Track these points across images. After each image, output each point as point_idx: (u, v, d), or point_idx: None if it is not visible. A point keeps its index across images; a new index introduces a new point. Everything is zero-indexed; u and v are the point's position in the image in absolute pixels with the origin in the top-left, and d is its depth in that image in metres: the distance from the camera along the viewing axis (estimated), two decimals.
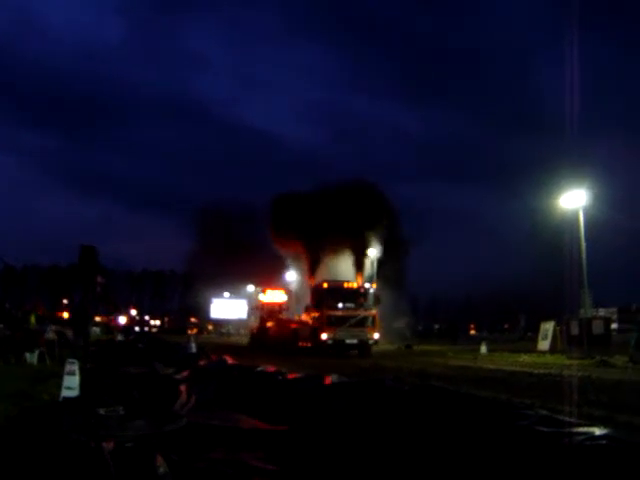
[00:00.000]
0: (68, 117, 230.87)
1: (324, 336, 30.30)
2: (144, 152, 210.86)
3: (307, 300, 36.36)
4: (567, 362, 24.47)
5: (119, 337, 45.53)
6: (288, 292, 46.79)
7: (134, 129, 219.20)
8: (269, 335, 37.60)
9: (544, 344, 31.69)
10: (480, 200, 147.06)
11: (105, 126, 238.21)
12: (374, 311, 32.00)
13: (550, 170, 47.79)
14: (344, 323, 30.50)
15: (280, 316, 40.84)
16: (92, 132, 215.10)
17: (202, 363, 14.52)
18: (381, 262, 51.17)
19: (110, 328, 66.06)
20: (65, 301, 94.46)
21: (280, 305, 43.53)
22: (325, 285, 33.08)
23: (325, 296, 31.83)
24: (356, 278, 44.02)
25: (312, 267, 50.45)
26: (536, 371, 19.46)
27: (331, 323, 30.59)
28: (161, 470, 3.91)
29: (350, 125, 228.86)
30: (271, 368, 10.25)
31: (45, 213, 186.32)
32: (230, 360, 13.91)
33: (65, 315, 66.29)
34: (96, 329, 54.94)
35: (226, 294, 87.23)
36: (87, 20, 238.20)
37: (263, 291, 46.00)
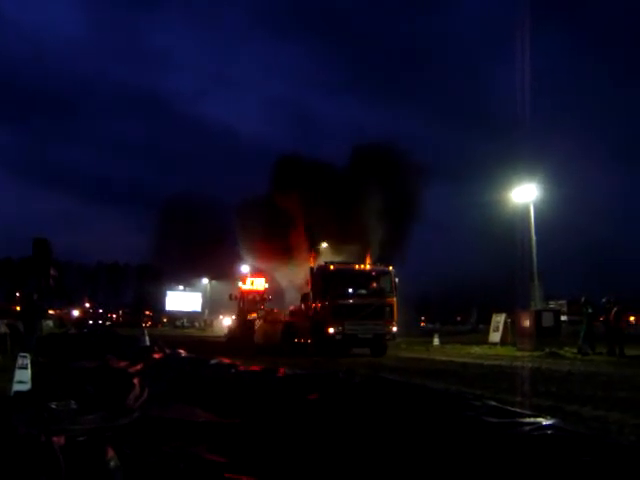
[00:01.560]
0: (22, 110, 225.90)
1: (331, 330, 25.50)
2: (99, 145, 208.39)
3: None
4: (517, 354, 24.99)
5: (72, 330, 44.85)
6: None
7: (91, 122, 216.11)
8: (253, 330, 33.34)
9: (495, 336, 32.25)
10: (433, 194, 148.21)
11: (61, 119, 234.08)
12: (392, 299, 27.11)
13: (502, 165, 48.49)
14: (356, 314, 25.74)
15: (263, 307, 37.46)
16: (47, 125, 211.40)
17: (156, 356, 14.43)
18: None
19: (64, 321, 65.18)
20: (18, 294, 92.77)
21: (262, 294, 39.05)
22: (331, 267, 27.71)
23: (331, 281, 26.83)
24: (366, 259, 35.26)
25: (314, 244, 42.19)
26: (487, 362, 19.88)
27: (339, 314, 25.82)
28: (112, 464, 3.91)
29: (309, 121, 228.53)
30: (226, 360, 10.27)
31: None
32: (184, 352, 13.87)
33: (18, 308, 65.05)
34: (49, 322, 54.05)
35: (180, 287, 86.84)
36: (49, 14, 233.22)
37: (243, 279, 40.67)
